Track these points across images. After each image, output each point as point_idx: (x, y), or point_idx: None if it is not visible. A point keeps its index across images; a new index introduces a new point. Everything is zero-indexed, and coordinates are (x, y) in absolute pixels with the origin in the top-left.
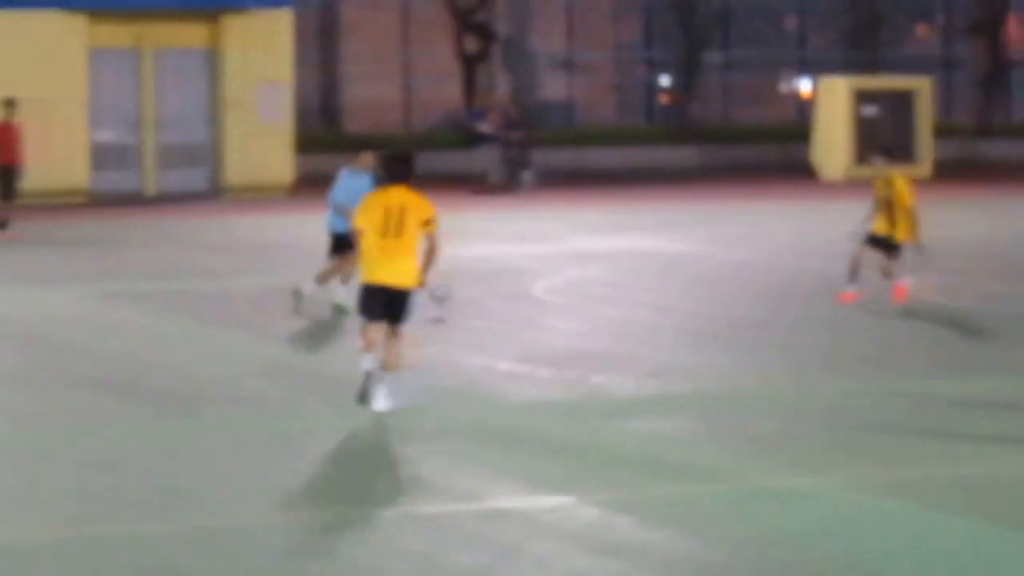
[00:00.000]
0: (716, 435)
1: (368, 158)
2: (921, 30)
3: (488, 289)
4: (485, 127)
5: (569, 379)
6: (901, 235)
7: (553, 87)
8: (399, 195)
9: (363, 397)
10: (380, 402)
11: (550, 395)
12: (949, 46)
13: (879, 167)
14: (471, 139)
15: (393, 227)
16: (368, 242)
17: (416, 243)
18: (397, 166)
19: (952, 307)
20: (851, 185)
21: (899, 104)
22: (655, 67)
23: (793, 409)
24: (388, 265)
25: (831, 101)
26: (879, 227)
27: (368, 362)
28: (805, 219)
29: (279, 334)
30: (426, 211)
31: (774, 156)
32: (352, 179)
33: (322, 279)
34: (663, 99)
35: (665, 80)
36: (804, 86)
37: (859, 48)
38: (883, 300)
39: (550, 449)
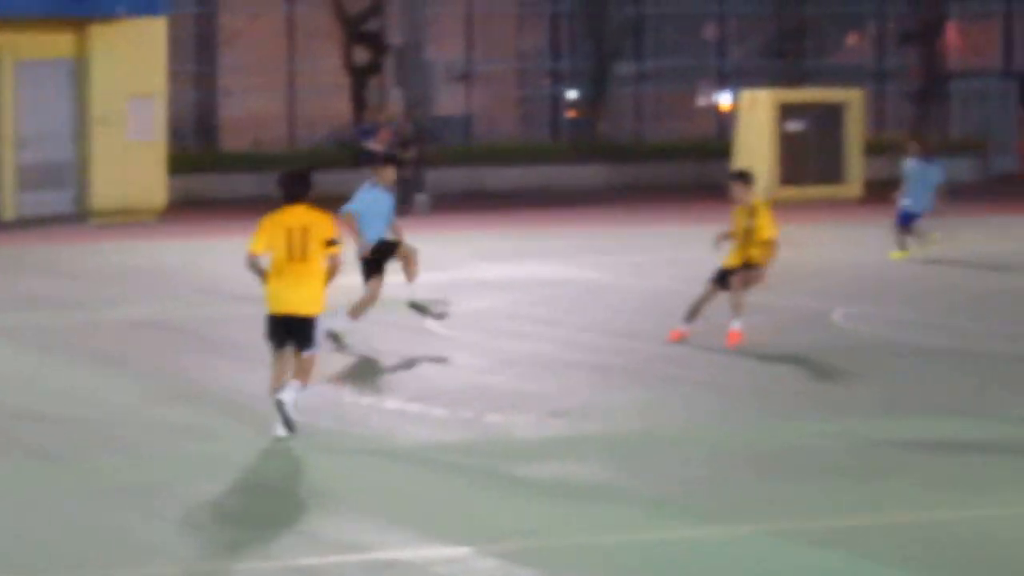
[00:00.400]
0: (626, 480)
1: (391, 173)
2: (852, 39)
3: (378, 321)
4: (374, 144)
5: (465, 419)
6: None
7: (450, 100)
8: (299, 215)
9: (288, 426)
10: (287, 394)
11: (444, 436)
12: (882, 56)
13: (740, 193)
14: (359, 157)
15: (298, 250)
16: (274, 267)
17: (320, 266)
18: (294, 184)
19: (873, 341)
20: (776, 207)
21: (827, 119)
22: (562, 79)
23: (712, 451)
24: (296, 291)
25: (753, 116)
26: (731, 261)
27: (280, 393)
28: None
29: (148, 371)
30: (328, 231)
31: (690, 174)
32: (371, 193)
33: (356, 312)
34: (570, 113)
35: (573, 93)
36: (724, 99)
37: (784, 58)
38: (807, 335)
39: (443, 495)
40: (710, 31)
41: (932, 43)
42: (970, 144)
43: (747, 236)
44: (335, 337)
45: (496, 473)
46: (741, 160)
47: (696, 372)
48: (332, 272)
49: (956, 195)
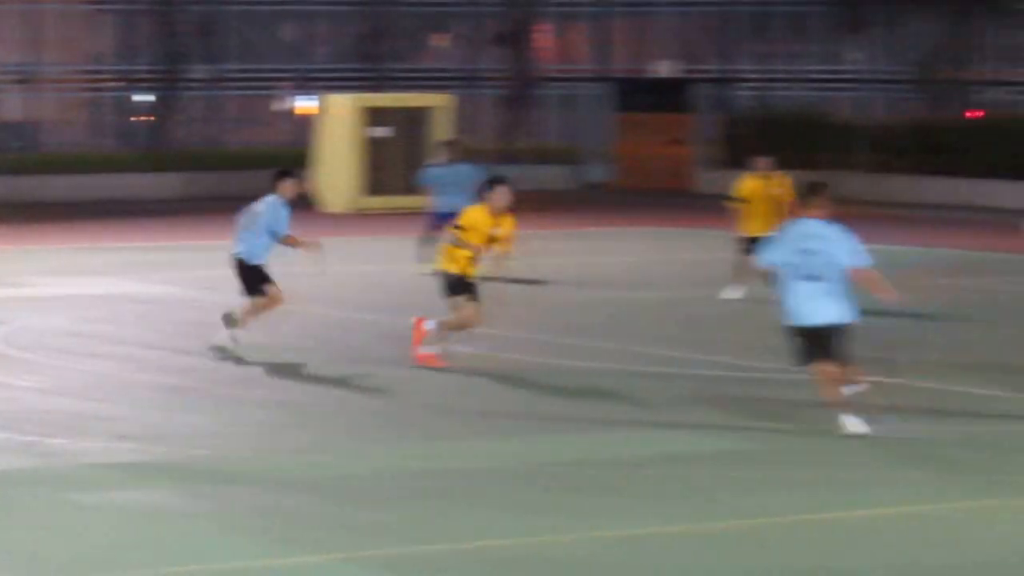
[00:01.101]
0: (196, 508)
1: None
2: (443, 41)
3: None
4: None
5: (23, 443)
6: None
7: (10, 106)
8: None
9: None
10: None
11: (3, 463)
12: (474, 60)
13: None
14: None
15: None
16: None
17: None
18: None
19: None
20: (359, 218)
21: (414, 124)
22: (130, 83)
23: (289, 478)
24: None
25: (335, 122)
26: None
27: None
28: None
29: None
30: None
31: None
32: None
33: None
34: (140, 119)
35: (142, 98)
36: (305, 104)
37: (369, 61)
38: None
39: (2, 530)
40: (289, 33)
41: (524, 46)
42: (563, 152)
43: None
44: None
45: (56, 502)
46: (323, 168)
47: (268, 391)
48: None
49: (547, 203)
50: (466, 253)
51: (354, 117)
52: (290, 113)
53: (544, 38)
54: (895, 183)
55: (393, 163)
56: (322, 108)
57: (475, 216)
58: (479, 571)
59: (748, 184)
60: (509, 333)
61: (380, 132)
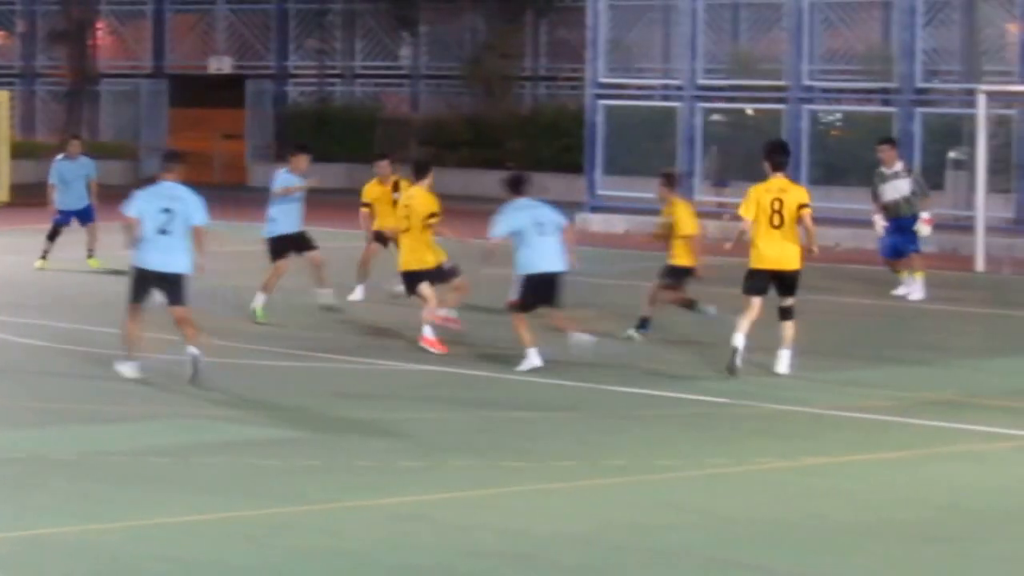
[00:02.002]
0: None
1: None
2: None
3: None
4: None
5: None
6: None
7: None
8: None
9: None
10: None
11: None
12: (30, 56)
13: None
14: None
15: None
16: None
17: None
18: None
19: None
20: None
21: None
22: None
23: None
24: None
25: None
26: None
27: None
28: None
29: None
30: None
31: None
32: None
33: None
34: None
35: None
36: None
37: None
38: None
39: None
40: None
41: (82, 42)
42: (122, 147)
43: None
44: None
45: None
46: None
47: None
48: None
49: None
50: None
51: None
52: None
53: (103, 35)
54: (448, 177)
55: None
56: None
57: None
58: (36, 559)
59: (370, 189)
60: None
61: None
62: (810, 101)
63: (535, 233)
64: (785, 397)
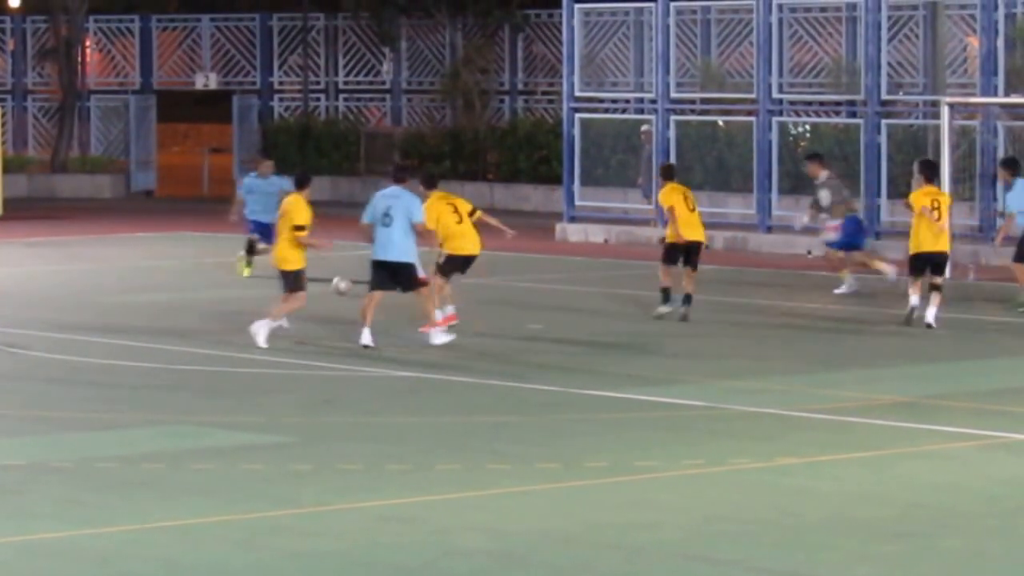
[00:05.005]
0: None
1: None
2: None
3: None
4: None
5: None
6: None
7: None
8: None
9: None
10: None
11: None
12: (21, 73)
13: None
14: None
15: None
16: None
17: None
18: None
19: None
20: None
21: None
22: None
23: None
24: None
25: None
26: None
27: None
28: None
29: None
30: None
31: None
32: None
33: None
34: None
35: None
36: None
37: None
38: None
39: None
40: None
41: (71, 59)
42: (110, 162)
43: None
44: None
45: None
46: None
47: None
48: None
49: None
50: None
51: None
52: None
53: (91, 52)
54: None
55: None
56: None
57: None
58: (28, 564)
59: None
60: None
61: None
62: (779, 113)
63: (380, 224)
64: (757, 400)
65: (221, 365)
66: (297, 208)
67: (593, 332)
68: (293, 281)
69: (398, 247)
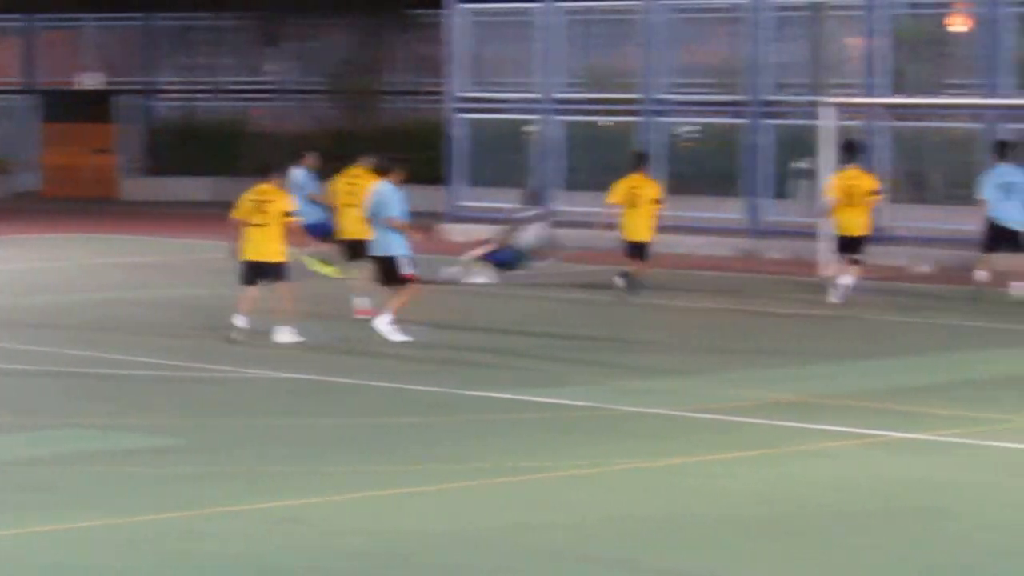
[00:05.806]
0: None
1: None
2: None
3: None
4: None
5: None
6: None
7: None
8: None
9: None
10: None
11: None
12: None
13: None
14: None
15: None
16: None
17: None
18: None
19: None
20: None
21: None
22: None
23: None
24: None
25: None
26: None
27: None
28: None
29: None
30: None
31: None
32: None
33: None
34: None
35: None
36: None
37: None
38: None
39: None
40: None
41: None
42: None
43: None
44: None
45: None
46: None
47: None
48: None
49: None
50: None
51: None
52: None
53: None
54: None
55: None
56: None
57: None
58: None
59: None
60: None
61: None
62: (663, 114)
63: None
64: (642, 400)
65: (106, 367)
66: (281, 197)
67: (483, 334)
68: (276, 274)
69: (379, 241)
